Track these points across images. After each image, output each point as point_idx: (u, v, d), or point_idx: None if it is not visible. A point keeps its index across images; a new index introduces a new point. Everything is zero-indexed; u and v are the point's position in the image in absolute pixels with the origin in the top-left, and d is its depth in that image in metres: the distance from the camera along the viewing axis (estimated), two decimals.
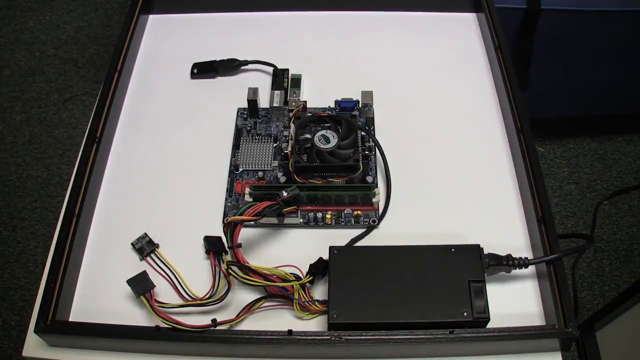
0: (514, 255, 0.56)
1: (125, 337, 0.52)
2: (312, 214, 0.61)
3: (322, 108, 0.70)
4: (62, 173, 1.46)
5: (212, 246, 0.58)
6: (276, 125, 0.70)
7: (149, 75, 0.76)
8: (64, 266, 0.56)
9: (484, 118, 0.71)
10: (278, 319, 0.55)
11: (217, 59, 0.76)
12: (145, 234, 0.61)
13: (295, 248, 0.60)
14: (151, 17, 0.83)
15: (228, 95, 0.73)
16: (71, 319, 0.56)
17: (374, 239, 0.61)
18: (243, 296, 0.56)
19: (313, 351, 0.52)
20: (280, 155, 0.67)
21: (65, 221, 0.58)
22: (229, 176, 0.65)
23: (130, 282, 0.54)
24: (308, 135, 0.64)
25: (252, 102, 0.69)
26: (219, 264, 0.56)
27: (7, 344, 1.20)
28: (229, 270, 0.55)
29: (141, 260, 0.59)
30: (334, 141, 0.63)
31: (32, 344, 0.54)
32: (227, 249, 0.57)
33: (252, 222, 0.60)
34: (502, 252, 0.56)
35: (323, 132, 0.63)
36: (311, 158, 0.62)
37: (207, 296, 0.55)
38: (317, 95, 0.72)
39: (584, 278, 1.26)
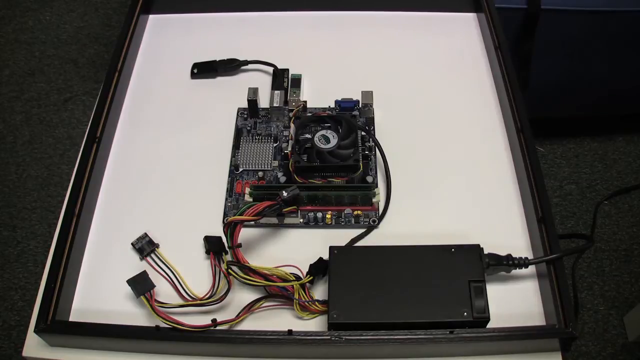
0: (514, 255, 0.56)
1: (125, 337, 0.52)
2: (312, 214, 0.61)
3: (322, 108, 0.70)
4: (62, 173, 1.46)
5: (212, 246, 0.58)
6: (276, 125, 0.70)
7: (149, 75, 0.76)
8: (64, 266, 0.56)
9: (484, 118, 0.70)
10: (278, 319, 0.55)
11: (217, 59, 0.76)
12: (146, 234, 0.61)
13: (295, 248, 0.60)
14: (151, 17, 0.83)
15: (228, 95, 0.73)
16: (71, 319, 0.56)
17: (374, 239, 0.61)
18: (243, 296, 0.56)
19: (313, 351, 0.52)
20: (280, 155, 0.67)
21: (65, 221, 0.58)
22: (229, 176, 0.65)
23: (130, 282, 0.54)
24: (308, 135, 0.64)
25: (252, 102, 0.69)
26: (219, 264, 0.56)
27: (7, 344, 1.20)
28: (229, 270, 0.55)
29: (141, 260, 0.59)
30: (334, 141, 0.63)
31: (32, 344, 0.54)
32: (227, 249, 0.57)
33: (252, 222, 0.60)
34: (502, 252, 0.56)
35: (323, 132, 0.63)
36: (311, 158, 0.62)
37: (207, 296, 0.55)
38: (317, 95, 0.72)
39: (584, 278, 1.26)
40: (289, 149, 0.64)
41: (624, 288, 1.24)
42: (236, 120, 0.70)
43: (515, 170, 0.65)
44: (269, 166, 0.66)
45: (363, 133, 0.67)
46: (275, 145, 0.68)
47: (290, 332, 0.51)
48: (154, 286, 0.54)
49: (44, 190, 1.43)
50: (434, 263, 0.54)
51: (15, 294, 1.27)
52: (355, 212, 0.61)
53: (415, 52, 0.78)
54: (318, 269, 0.56)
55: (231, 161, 0.66)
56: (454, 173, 0.66)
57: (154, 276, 0.55)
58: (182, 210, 0.63)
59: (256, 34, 0.81)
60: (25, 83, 1.64)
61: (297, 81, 0.73)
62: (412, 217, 0.62)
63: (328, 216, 0.61)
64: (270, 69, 0.75)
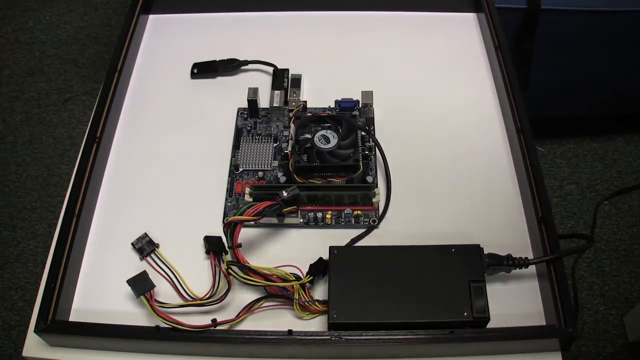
0: (514, 255, 0.56)
1: (125, 337, 0.52)
2: (312, 214, 0.61)
3: (322, 108, 0.70)
4: (62, 173, 1.46)
5: (212, 246, 0.58)
6: (276, 125, 0.70)
7: (149, 75, 0.76)
8: (64, 266, 0.56)
9: (484, 118, 0.71)
10: (278, 319, 0.55)
11: (217, 59, 0.76)
12: (146, 234, 0.61)
13: (295, 248, 0.60)
14: (151, 17, 0.83)
15: (228, 95, 0.73)
16: (71, 319, 0.56)
17: (374, 239, 0.61)
18: (243, 296, 0.56)
19: (313, 351, 0.52)
20: (280, 155, 0.67)
21: (65, 221, 0.58)
22: (229, 176, 0.65)
23: (130, 282, 0.54)
24: (308, 135, 0.64)
25: (252, 102, 0.69)
26: (219, 264, 0.56)
27: (7, 344, 1.20)
28: (229, 270, 0.55)
29: (141, 260, 0.59)
30: (334, 141, 0.63)
31: (32, 344, 0.54)
32: (227, 249, 0.57)
33: (252, 222, 0.60)
34: (502, 252, 0.56)
35: (323, 132, 0.63)
36: (311, 158, 0.62)
37: (207, 296, 0.55)
38: (317, 95, 0.72)
39: (584, 278, 1.26)
40: (289, 149, 0.64)
41: (624, 288, 1.24)
42: (236, 120, 0.70)
43: (515, 170, 0.65)
44: (269, 166, 0.66)
45: (363, 133, 0.67)
46: (275, 145, 0.68)
47: (290, 332, 0.51)
48: (154, 286, 0.54)
49: (44, 190, 1.43)
50: (434, 263, 0.54)
51: (15, 294, 1.27)
52: (355, 212, 0.61)
53: (415, 52, 0.78)
54: (318, 269, 0.56)
55: (231, 161, 0.66)
56: (454, 173, 0.66)
57: (154, 276, 0.55)
58: (182, 210, 0.63)
59: (256, 34, 0.81)
60: (25, 83, 1.64)
61: (297, 81, 0.73)
62: (412, 217, 0.62)
63: (328, 216, 0.61)
64: (270, 69, 0.75)
